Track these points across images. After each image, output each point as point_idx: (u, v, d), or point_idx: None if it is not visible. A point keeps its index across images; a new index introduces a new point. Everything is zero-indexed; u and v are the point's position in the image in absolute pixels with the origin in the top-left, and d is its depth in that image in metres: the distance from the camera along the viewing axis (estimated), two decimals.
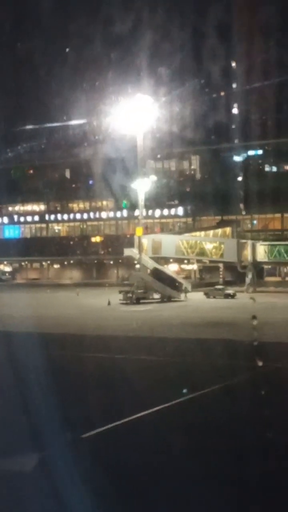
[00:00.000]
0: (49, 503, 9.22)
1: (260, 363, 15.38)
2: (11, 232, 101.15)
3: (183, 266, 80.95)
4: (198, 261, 75.30)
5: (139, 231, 64.34)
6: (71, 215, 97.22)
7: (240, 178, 70.75)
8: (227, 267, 72.40)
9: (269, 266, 75.43)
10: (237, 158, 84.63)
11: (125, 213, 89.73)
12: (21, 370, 17.54)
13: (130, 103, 60.42)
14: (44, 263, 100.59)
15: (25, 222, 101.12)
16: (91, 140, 78.68)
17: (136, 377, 19.53)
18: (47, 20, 55.66)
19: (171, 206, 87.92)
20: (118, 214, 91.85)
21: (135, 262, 66.08)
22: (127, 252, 69.52)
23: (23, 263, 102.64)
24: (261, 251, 66.49)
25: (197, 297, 59.63)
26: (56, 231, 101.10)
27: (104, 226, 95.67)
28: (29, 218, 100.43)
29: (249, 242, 67.18)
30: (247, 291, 62.23)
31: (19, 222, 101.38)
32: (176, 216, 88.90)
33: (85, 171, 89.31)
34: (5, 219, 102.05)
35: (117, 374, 20.41)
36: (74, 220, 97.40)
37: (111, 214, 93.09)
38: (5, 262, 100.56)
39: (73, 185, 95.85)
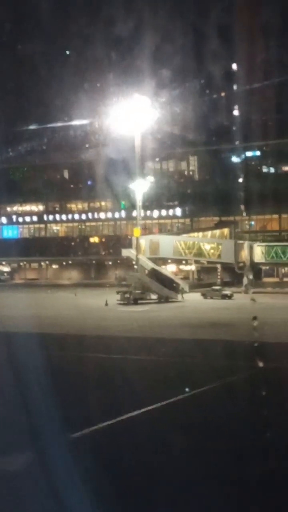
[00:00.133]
0: (37, 502, 9.29)
1: (256, 363, 15.49)
2: (9, 233, 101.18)
3: (181, 266, 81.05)
4: (196, 261, 75.45)
5: (137, 231, 64.45)
6: (70, 216, 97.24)
7: (238, 179, 70.91)
8: (225, 268, 72.50)
9: (267, 267, 75.59)
10: (236, 159, 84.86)
11: (123, 213, 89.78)
12: (16, 369, 17.61)
13: (129, 104, 60.54)
14: (42, 263, 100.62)
15: (24, 223, 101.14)
16: (90, 140, 78.85)
17: (131, 377, 19.60)
18: (45, 20, 55.72)
19: (169, 206, 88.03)
20: (117, 214, 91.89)
21: (133, 262, 66.19)
22: (125, 252, 69.65)
23: (21, 263, 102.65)
24: (258, 252, 66.71)
25: (194, 297, 59.75)
26: (55, 231, 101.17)
27: (102, 226, 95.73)
28: (27, 219, 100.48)
29: (247, 243, 67.34)
30: (245, 292, 62.36)
31: (17, 223, 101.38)
32: (174, 216, 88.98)
33: (84, 171, 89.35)
34: (4, 220, 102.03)
35: (113, 373, 20.45)
36: (73, 220, 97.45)
37: (110, 214, 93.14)
38: (3, 263, 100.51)
39: (72, 186, 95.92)
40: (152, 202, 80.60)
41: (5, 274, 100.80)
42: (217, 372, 20.09)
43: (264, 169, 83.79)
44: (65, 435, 12.55)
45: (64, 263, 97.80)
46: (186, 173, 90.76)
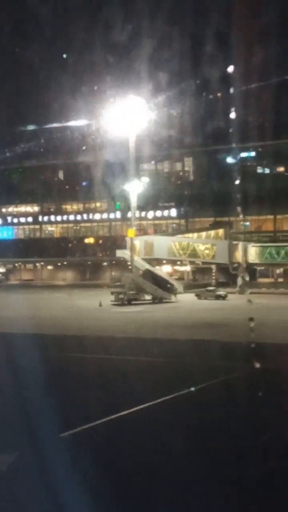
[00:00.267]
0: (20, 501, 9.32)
1: (250, 364, 15.53)
2: (4, 234, 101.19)
3: (176, 267, 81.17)
4: (191, 262, 75.56)
5: (131, 232, 64.55)
6: (65, 217, 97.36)
7: (233, 180, 70.99)
8: (220, 268, 72.64)
9: (262, 268, 75.72)
10: (231, 160, 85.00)
11: (118, 214, 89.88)
12: (6, 369, 17.65)
13: (124, 105, 60.61)
14: (37, 264, 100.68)
15: (19, 224, 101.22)
16: (85, 142, 78.75)
17: (118, 377, 19.64)
18: (40, 21, 55.70)
19: (164, 207, 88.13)
20: (112, 215, 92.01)
21: (128, 263, 66.26)
22: (120, 253, 69.74)
23: (16, 264, 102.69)
24: (253, 252, 66.86)
25: (188, 298, 59.84)
26: (50, 232, 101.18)
27: (97, 227, 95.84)
28: (22, 220, 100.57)
29: (241, 243, 67.47)
30: (240, 292, 62.49)
31: (12, 223, 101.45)
32: (169, 217, 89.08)
33: (79, 172, 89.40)
34: None
35: (102, 374, 20.44)
36: (68, 221, 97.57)
37: (105, 215, 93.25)
38: None
39: (67, 187, 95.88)
40: (147, 203, 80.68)
41: (0, 275, 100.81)
42: (208, 373, 19.99)
43: (259, 170, 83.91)
44: (54, 435, 12.56)
45: (59, 264, 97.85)
46: (181, 174, 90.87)
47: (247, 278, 67.36)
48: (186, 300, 58.61)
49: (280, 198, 75.94)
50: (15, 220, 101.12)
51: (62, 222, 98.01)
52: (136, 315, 46.88)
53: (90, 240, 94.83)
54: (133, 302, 56.28)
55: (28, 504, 9.22)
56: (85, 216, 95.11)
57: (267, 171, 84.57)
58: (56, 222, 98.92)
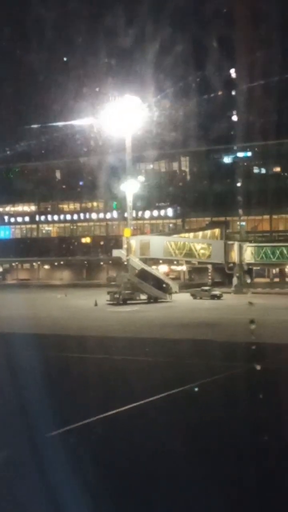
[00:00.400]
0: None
1: (243, 363, 15.64)
2: (1, 233, 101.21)
3: (173, 267, 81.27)
4: (187, 262, 75.64)
5: (127, 232, 64.60)
6: (62, 216, 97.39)
7: (229, 180, 71.25)
8: (216, 268, 72.76)
9: (258, 268, 75.81)
10: (227, 160, 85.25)
11: (115, 214, 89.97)
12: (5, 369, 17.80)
13: (121, 104, 60.67)
14: (34, 263, 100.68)
15: (16, 223, 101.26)
16: (82, 141, 78.82)
17: (108, 376, 19.79)
18: (38, 23, 55.79)
19: (161, 207, 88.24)
20: (109, 215, 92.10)
21: (124, 263, 66.31)
22: (116, 253, 69.77)
23: (13, 264, 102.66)
24: (248, 252, 66.95)
25: (184, 298, 59.94)
26: (47, 232, 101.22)
27: (94, 227, 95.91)
28: (19, 219, 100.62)
29: (237, 243, 67.56)
30: (235, 292, 62.61)
31: (9, 223, 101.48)
32: (166, 217, 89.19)
33: (76, 172, 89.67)
34: None
35: (96, 373, 20.56)
36: (65, 221, 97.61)
37: (102, 215, 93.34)
38: None
39: (64, 186, 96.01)
40: (144, 203, 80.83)
41: None
42: (204, 372, 20.01)
43: (255, 170, 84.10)
44: (41, 434, 12.66)
45: (56, 263, 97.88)
46: (177, 174, 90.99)
47: (248, 280, 67.60)
48: (181, 299, 58.72)
49: (276, 198, 76.18)
50: (12, 220, 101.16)
51: (59, 221, 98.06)
52: (130, 314, 47.00)
53: (87, 240, 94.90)
54: (128, 302, 56.39)
55: (23, 503, 9.34)
56: (82, 215, 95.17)
57: (263, 171, 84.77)
58: (53, 222, 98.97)
